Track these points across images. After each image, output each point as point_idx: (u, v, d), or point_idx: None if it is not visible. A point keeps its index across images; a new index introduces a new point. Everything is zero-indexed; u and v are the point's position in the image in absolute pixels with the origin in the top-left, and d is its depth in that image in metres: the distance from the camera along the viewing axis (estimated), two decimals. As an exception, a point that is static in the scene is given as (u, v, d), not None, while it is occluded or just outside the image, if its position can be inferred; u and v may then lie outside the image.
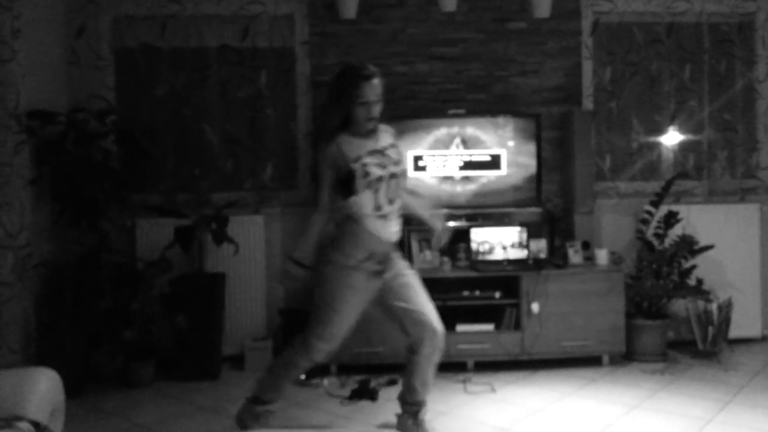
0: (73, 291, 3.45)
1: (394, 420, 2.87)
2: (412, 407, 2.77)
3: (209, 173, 4.19)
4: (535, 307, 3.76)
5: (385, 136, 2.69)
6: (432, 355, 2.71)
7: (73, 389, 3.18)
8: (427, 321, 2.67)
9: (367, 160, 2.57)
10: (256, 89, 4.23)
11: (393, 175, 2.61)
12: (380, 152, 2.62)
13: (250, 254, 4.04)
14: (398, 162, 2.67)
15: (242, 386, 3.57)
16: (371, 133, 2.63)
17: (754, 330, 4.27)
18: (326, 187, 2.64)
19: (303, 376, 3.60)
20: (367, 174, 2.55)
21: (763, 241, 4.30)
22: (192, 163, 4.18)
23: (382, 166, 2.59)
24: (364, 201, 2.57)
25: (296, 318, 3.89)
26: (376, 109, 2.58)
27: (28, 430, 1.63)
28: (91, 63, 4.10)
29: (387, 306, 2.71)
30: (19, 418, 1.67)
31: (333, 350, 2.73)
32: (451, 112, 4.10)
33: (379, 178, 2.57)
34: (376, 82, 2.55)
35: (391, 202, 2.62)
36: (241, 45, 4.21)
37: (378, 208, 2.59)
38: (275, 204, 4.23)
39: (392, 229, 2.66)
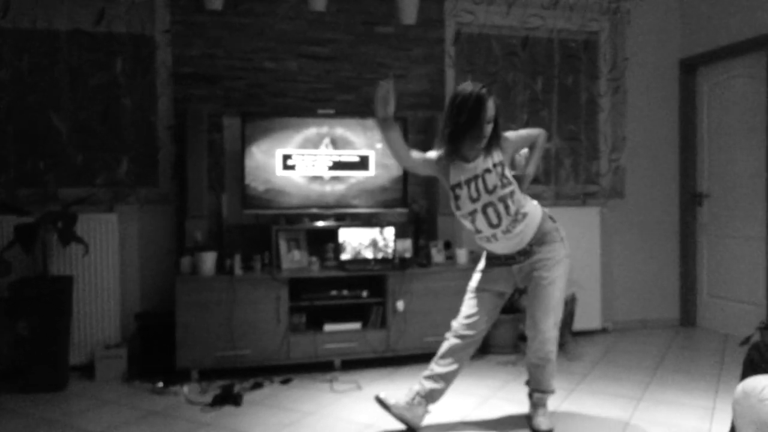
0: None
1: (259, 424, 2.80)
2: (530, 394, 2.98)
3: (56, 166, 3.86)
4: (400, 305, 3.85)
5: (494, 155, 2.64)
6: (538, 363, 2.87)
7: None
8: (533, 325, 2.80)
9: (461, 191, 2.66)
10: (111, 77, 3.97)
11: (488, 204, 2.63)
12: (477, 178, 2.63)
13: (103, 255, 3.77)
14: (494, 188, 2.62)
15: (92, 397, 3.34)
16: (479, 153, 2.63)
17: (595, 323, 4.70)
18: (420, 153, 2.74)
19: (160, 384, 3.44)
20: (458, 207, 2.69)
21: (602, 241, 4.74)
22: (37, 155, 3.83)
23: (474, 199, 2.64)
24: (464, 223, 2.76)
25: (155, 322, 3.71)
26: (487, 130, 2.57)
27: None
28: None
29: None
30: None
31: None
32: (320, 111, 4.09)
33: (472, 211, 2.66)
34: (491, 103, 2.57)
35: (493, 225, 2.66)
36: (95, 30, 3.93)
37: (478, 231, 2.72)
38: (132, 201, 3.98)
39: (504, 244, 2.71)
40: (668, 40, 5.03)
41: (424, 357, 3.89)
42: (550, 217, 2.82)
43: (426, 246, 4.17)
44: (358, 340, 3.82)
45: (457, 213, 2.72)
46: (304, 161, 3.99)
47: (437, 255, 4.11)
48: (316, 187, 4.02)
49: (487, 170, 2.64)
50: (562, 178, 4.82)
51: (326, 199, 4.04)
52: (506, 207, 2.64)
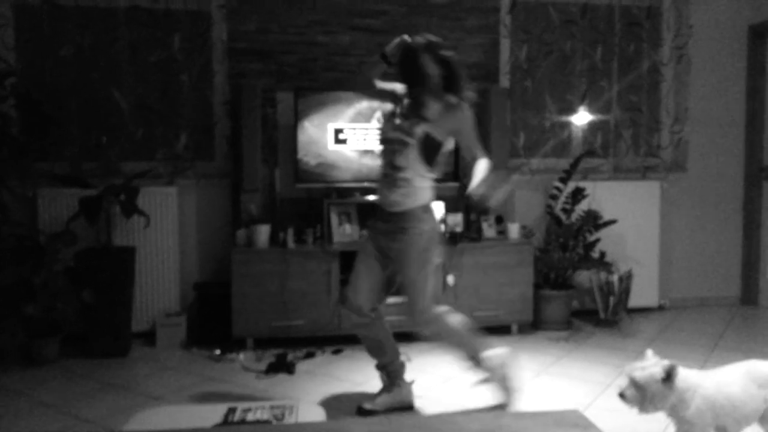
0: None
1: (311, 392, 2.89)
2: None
3: (118, 141, 3.99)
4: (450, 279, 3.86)
5: (425, 111, 2.67)
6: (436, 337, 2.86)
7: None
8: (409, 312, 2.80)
9: (390, 117, 2.75)
10: (170, 53, 4.05)
11: (386, 141, 2.70)
12: (398, 115, 2.70)
13: (163, 227, 3.91)
14: (397, 131, 2.67)
15: (153, 362, 3.51)
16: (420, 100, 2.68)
17: (652, 300, 4.58)
18: None
19: (218, 351, 3.58)
20: (382, 130, 2.79)
21: (662, 216, 4.59)
22: (99, 130, 3.97)
23: (388, 128, 2.71)
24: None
25: (212, 292, 3.84)
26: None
27: None
28: (-14, 20, 3.80)
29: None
30: None
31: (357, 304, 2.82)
32: (372, 84, 4.08)
33: (387, 140, 2.70)
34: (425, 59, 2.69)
35: (395, 168, 2.64)
36: (153, 6, 4.01)
37: (383, 167, 2.74)
38: (190, 175, 4.09)
39: (385, 193, 2.70)
40: (736, 5, 4.75)
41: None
42: (426, 207, 2.74)
43: (477, 220, 4.15)
44: (408, 313, 3.84)
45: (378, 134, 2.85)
46: (356, 135, 4.01)
47: (488, 230, 4.09)
48: (367, 161, 4.03)
49: (405, 115, 2.69)
50: (622, 150, 4.66)
51: (377, 173, 4.05)
52: (393, 154, 2.65)
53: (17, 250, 3.46)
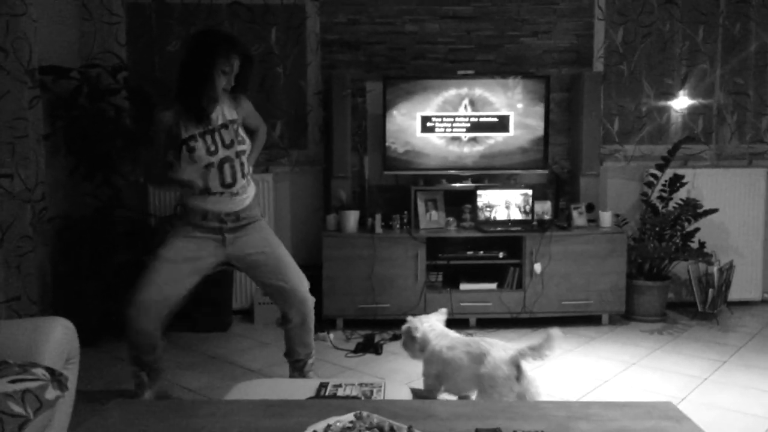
0: (88, 244, 3.55)
1: (397, 372, 2.98)
2: (296, 363, 2.86)
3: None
4: (537, 267, 3.83)
5: (230, 112, 2.62)
6: (303, 324, 2.80)
7: (88, 338, 3.29)
8: (291, 291, 2.74)
9: (197, 143, 2.51)
10: (267, 47, 4.24)
11: (226, 160, 2.56)
12: (213, 131, 2.55)
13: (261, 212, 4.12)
14: (231, 143, 2.58)
15: (251, 338, 3.73)
16: (213, 104, 2.56)
17: (755, 293, 4.33)
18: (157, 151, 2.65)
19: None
20: (193, 160, 2.52)
21: (767, 206, 4.32)
22: (203, 120, 4.22)
23: (211, 152, 2.53)
24: (191, 179, 2.56)
25: (304, 273, 3.99)
26: (231, 80, 2.55)
27: (43, 376, 1.67)
28: (103, 18, 4.12)
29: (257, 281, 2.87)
30: (35, 365, 1.72)
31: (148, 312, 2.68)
32: (460, 72, 4.10)
33: (208, 164, 2.53)
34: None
35: (226, 184, 2.58)
36: (253, 2, 4.21)
37: (204, 191, 2.57)
38: (285, 162, 4.28)
39: (226, 202, 2.61)
40: None
41: (561, 320, 3.87)
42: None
43: (567, 208, 4.08)
44: (494, 300, 3.86)
45: (189, 168, 2.53)
46: (443, 123, 4.04)
47: (579, 217, 4.01)
48: (454, 148, 4.06)
49: (224, 125, 2.58)
50: (725, 136, 4.43)
51: (465, 160, 4.07)
52: (242, 165, 2.61)
53: (130, 232, 3.75)
